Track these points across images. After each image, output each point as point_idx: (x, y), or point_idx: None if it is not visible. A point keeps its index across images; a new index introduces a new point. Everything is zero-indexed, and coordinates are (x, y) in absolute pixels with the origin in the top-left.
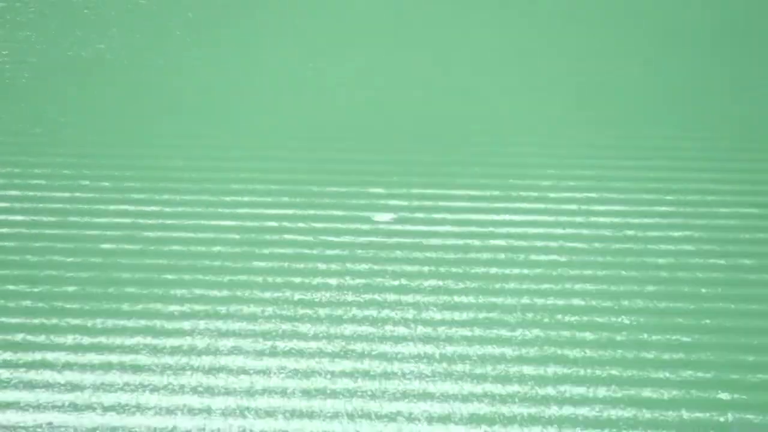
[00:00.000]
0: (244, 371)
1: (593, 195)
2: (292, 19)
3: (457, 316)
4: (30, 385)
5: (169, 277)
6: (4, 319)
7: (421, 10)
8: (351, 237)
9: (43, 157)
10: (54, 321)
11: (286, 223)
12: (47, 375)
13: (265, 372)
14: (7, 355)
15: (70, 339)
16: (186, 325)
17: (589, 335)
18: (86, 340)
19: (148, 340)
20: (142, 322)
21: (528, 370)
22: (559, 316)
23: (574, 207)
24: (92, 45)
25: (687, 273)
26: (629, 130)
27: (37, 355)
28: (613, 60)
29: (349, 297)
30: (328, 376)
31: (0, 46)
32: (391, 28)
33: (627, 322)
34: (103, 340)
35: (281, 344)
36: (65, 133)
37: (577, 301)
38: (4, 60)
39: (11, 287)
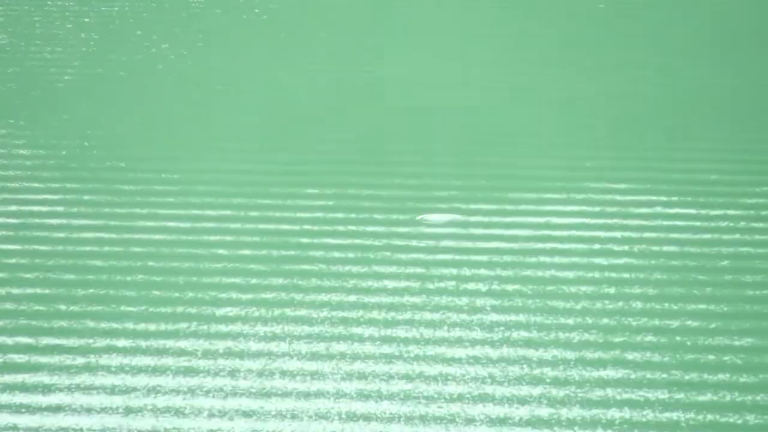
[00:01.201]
0: (298, 373)
1: (655, 198)
2: (345, 25)
3: (514, 317)
4: (85, 388)
5: (224, 280)
6: (58, 323)
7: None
8: (403, 240)
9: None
10: (112, 324)
11: (339, 227)
12: (102, 379)
13: (319, 374)
14: (61, 358)
15: (124, 342)
16: (239, 327)
17: (649, 338)
18: (142, 343)
19: (201, 342)
20: (194, 325)
21: (586, 373)
22: (618, 319)
23: (638, 210)
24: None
25: (751, 276)
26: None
27: (92, 359)
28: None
29: (405, 299)
30: (384, 378)
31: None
32: (451, 37)
33: (690, 324)
34: (157, 343)
35: (336, 346)
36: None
37: (636, 304)
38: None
39: (62, 290)
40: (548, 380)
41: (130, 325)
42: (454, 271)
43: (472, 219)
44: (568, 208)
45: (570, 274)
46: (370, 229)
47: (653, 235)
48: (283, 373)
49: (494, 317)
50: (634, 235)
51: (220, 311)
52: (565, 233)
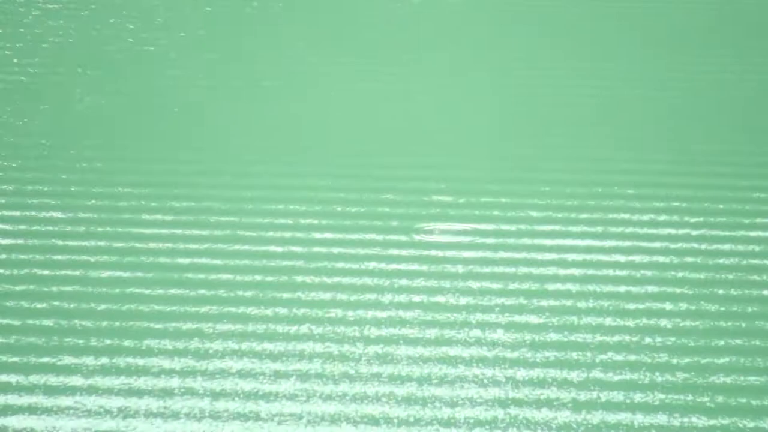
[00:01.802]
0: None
1: (676, 205)
2: (348, 29)
3: (528, 337)
4: (130, 392)
5: (267, 278)
6: (131, 323)
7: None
8: (408, 250)
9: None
10: (171, 324)
11: (348, 236)
12: (149, 382)
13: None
14: (108, 360)
15: (182, 343)
16: (295, 329)
17: (678, 360)
18: (207, 344)
19: (254, 344)
20: (251, 327)
21: (609, 395)
22: (647, 340)
23: (656, 218)
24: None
25: None
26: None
27: (141, 361)
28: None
29: (402, 313)
30: (384, 400)
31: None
32: (457, 45)
33: (721, 344)
34: (218, 345)
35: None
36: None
37: (664, 322)
38: None
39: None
40: (568, 404)
41: (191, 326)
42: (464, 285)
43: (482, 229)
44: (581, 225)
45: (589, 288)
46: (369, 237)
47: (674, 246)
48: (325, 378)
49: (505, 336)
50: (653, 246)
51: (275, 311)
52: (580, 245)
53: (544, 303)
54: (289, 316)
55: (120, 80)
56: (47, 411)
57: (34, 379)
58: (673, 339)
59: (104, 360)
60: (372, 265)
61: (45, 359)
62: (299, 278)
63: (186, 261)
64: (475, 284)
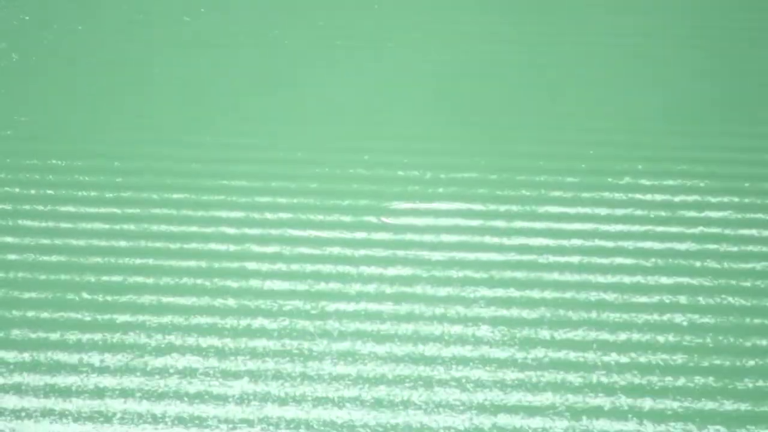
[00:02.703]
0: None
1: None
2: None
3: (518, 334)
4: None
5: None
6: (180, 318)
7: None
8: (379, 233)
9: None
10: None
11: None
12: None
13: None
14: (30, 356)
15: (116, 337)
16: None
17: (696, 363)
18: (145, 339)
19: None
20: (194, 320)
21: (614, 403)
22: (659, 338)
23: (672, 199)
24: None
25: None
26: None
27: (66, 357)
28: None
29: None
30: (349, 405)
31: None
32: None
33: (748, 345)
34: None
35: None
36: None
37: (679, 318)
38: None
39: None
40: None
41: (258, 322)
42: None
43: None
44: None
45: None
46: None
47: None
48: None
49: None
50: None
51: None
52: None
53: (536, 295)
54: (240, 308)
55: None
56: None
57: None
58: (689, 338)
59: (26, 356)
60: (336, 250)
61: None
62: (252, 264)
63: (123, 244)
64: (456, 273)
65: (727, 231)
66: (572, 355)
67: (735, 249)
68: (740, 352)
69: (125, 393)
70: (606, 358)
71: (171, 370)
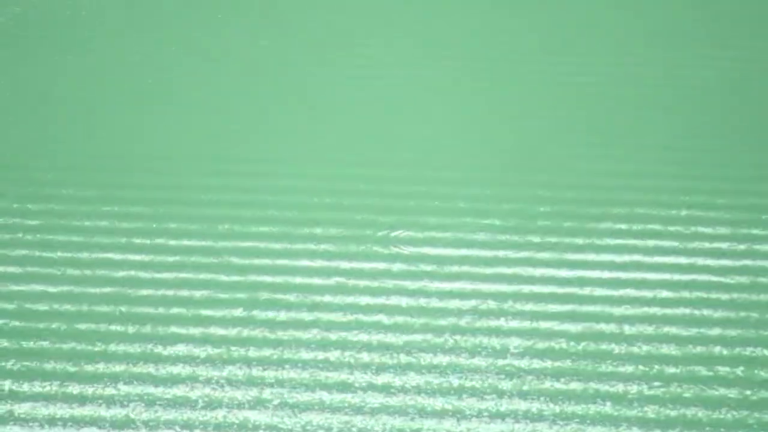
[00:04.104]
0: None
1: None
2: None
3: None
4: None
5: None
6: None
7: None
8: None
9: None
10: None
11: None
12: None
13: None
14: (184, 368)
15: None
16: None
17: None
18: (93, 366)
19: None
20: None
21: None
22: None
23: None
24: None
25: None
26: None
27: (220, 370)
28: None
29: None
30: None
31: None
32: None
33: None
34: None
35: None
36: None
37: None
38: None
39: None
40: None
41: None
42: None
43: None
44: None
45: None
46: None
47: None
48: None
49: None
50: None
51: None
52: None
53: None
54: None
55: None
56: None
57: None
58: (680, 368)
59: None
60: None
61: None
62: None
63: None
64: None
65: (743, 246)
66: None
67: (750, 264)
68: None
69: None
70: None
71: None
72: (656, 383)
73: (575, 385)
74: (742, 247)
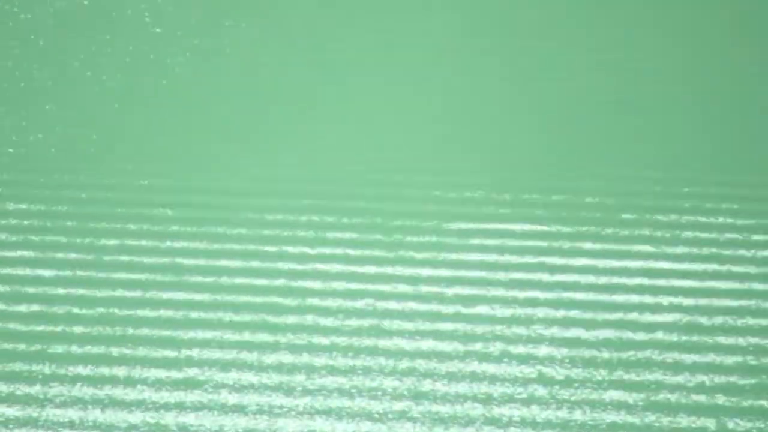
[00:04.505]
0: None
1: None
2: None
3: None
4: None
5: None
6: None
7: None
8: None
9: None
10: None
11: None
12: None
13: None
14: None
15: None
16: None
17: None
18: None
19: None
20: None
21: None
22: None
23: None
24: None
25: None
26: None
27: (246, 376)
28: None
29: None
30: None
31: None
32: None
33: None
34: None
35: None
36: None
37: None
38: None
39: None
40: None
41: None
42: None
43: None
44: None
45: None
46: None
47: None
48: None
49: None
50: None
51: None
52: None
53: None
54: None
55: None
56: None
57: None
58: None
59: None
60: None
61: None
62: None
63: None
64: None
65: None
66: None
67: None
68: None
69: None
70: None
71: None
72: None
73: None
74: None
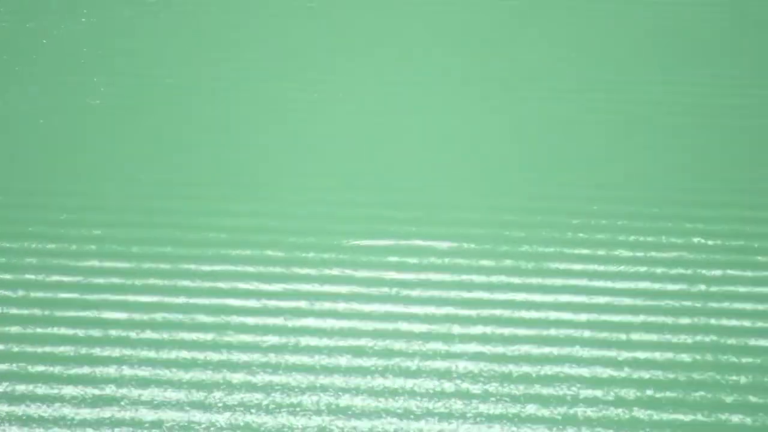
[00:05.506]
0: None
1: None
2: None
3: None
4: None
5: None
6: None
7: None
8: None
9: None
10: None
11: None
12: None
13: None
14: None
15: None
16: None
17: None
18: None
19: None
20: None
21: None
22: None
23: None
24: None
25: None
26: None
27: (264, 377)
28: None
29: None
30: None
31: None
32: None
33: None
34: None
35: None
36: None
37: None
38: None
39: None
40: None
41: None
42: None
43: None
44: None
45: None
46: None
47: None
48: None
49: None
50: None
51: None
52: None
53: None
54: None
55: None
56: None
57: None
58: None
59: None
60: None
61: None
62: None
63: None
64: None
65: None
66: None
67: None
68: None
69: None
70: None
71: None
72: None
73: None
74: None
